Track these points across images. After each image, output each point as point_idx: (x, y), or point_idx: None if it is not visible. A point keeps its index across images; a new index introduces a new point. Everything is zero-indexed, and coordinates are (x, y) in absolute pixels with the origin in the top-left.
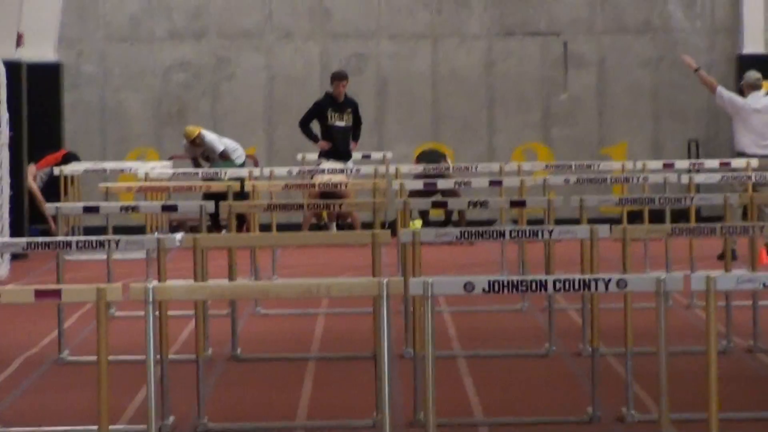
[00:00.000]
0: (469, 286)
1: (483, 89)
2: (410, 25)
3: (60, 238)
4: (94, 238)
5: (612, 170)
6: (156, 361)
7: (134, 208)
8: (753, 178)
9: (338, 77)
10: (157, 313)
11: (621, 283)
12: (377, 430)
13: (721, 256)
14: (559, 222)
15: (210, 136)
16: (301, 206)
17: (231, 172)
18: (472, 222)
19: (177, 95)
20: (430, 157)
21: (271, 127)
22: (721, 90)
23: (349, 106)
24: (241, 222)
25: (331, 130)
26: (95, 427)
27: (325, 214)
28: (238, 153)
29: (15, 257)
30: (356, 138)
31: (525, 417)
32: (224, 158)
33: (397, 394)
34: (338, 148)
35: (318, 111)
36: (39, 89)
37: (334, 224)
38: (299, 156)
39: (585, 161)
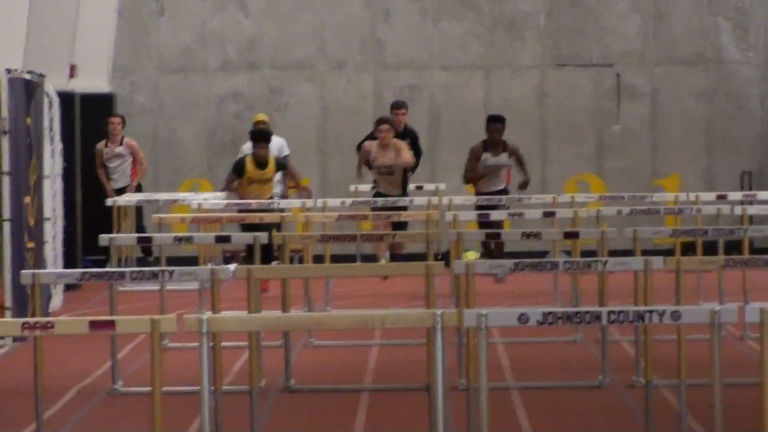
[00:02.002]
0: (523, 318)
1: (536, 120)
2: (463, 56)
3: (113, 269)
4: (147, 269)
5: (665, 202)
6: (210, 393)
7: (188, 239)
8: None
9: (395, 106)
10: (210, 344)
11: (675, 315)
12: None
13: None
14: (613, 253)
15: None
16: (354, 237)
17: (285, 203)
18: (525, 254)
19: (230, 126)
20: None
21: (324, 158)
22: None
23: (407, 137)
24: (268, 254)
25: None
26: None
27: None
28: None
29: (68, 288)
30: (413, 170)
31: None
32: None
33: (451, 427)
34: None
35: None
36: (92, 120)
37: (388, 254)
38: (352, 187)
39: (638, 193)
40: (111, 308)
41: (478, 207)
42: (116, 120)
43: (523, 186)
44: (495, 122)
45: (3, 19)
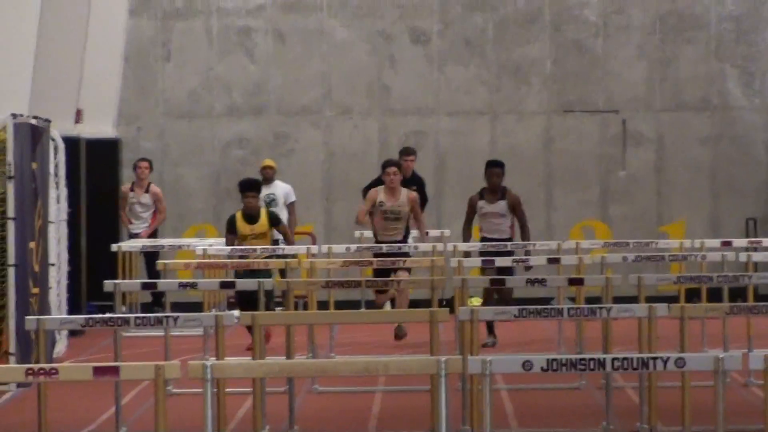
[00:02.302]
0: (527, 365)
1: (541, 166)
2: (469, 101)
3: (118, 315)
4: (152, 315)
5: (670, 248)
6: None
7: (192, 285)
8: None
9: (404, 152)
10: (215, 390)
11: (679, 362)
12: None
13: None
14: (617, 300)
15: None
16: (359, 283)
17: (289, 248)
18: (530, 300)
19: (235, 171)
20: None
21: (329, 204)
22: None
23: (414, 183)
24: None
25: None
26: None
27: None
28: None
29: (73, 333)
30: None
31: None
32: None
33: None
34: None
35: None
36: (98, 165)
37: (389, 303)
38: (357, 233)
39: (643, 239)
40: (115, 354)
41: (482, 253)
42: (144, 164)
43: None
44: (493, 167)
45: (9, 64)
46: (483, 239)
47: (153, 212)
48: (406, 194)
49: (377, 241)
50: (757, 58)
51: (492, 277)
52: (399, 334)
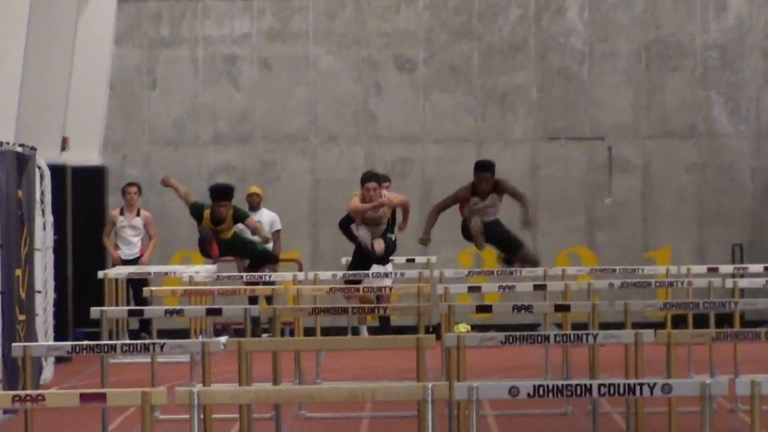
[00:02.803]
0: (514, 391)
1: (527, 193)
2: (454, 129)
3: (104, 342)
4: (139, 342)
5: (656, 275)
6: None
7: (179, 312)
8: None
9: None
10: (201, 416)
11: (666, 388)
12: None
13: None
14: (604, 326)
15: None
16: (345, 310)
17: (276, 276)
18: (516, 326)
19: None
20: None
21: (315, 231)
22: None
23: None
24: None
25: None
26: None
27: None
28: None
29: (59, 360)
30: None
31: None
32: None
33: None
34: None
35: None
36: (83, 193)
37: (365, 328)
38: (344, 260)
39: (629, 266)
40: (102, 381)
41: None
42: (133, 189)
43: (525, 226)
44: (483, 171)
45: None
46: (465, 221)
47: (142, 237)
48: (386, 206)
49: (357, 247)
50: (742, 85)
51: (478, 304)
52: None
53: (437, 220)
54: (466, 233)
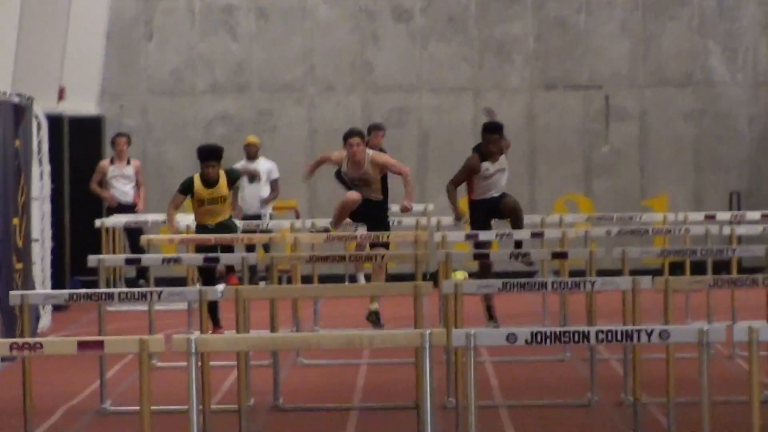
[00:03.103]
0: (511, 338)
1: (524, 141)
2: (452, 78)
3: (102, 290)
4: (136, 290)
5: (654, 222)
6: (198, 412)
7: (176, 260)
8: None
9: (375, 127)
10: (199, 363)
11: (663, 335)
12: None
13: None
14: (601, 273)
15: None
16: (342, 258)
17: (273, 223)
18: (514, 273)
19: None
20: None
21: (312, 180)
22: None
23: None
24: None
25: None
26: None
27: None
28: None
29: (57, 308)
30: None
31: None
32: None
33: None
34: None
35: None
36: (80, 142)
37: (362, 275)
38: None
39: (627, 213)
40: (100, 328)
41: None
42: (122, 140)
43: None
44: (491, 133)
45: None
46: (473, 203)
47: (133, 186)
48: (368, 160)
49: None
50: (739, 33)
51: (476, 252)
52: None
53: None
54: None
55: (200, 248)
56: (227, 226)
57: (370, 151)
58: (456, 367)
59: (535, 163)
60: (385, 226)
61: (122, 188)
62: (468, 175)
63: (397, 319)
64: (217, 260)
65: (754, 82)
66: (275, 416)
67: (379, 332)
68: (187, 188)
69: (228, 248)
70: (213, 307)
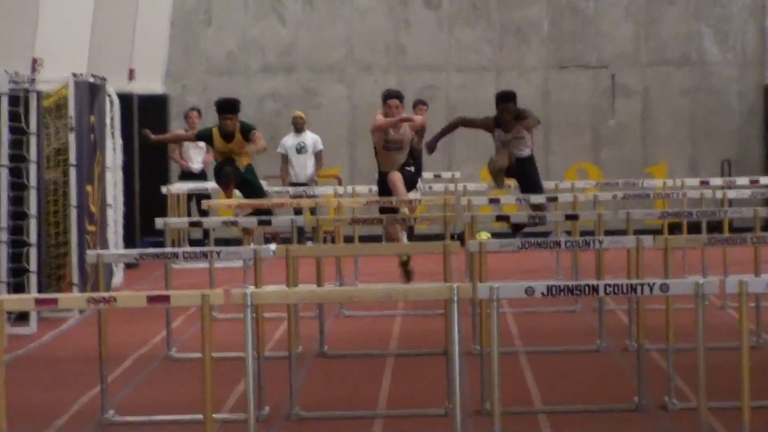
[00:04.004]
0: (529, 291)
1: (540, 115)
2: (475, 59)
3: (168, 249)
4: (198, 249)
5: (654, 187)
6: (253, 358)
7: (234, 223)
8: None
9: (417, 102)
10: (254, 315)
11: (663, 287)
12: (448, 418)
13: None
14: (608, 233)
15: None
16: (380, 220)
17: (319, 189)
18: (530, 233)
19: (269, 123)
20: None
21: (353, 150)
22: None
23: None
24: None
25: (418, 154)
26: (200, 416)
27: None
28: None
29: (128, 266)
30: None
31: (579, 405)
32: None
33: (466, 386)
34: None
35: None
36: (148, 119)
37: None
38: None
39: (630, 179)
40: (166, 284)
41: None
42: (194, 114)
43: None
44: (504, 101)
45: (70, 29)
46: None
47: (204, 154)
48: (407, 125)
49: (380, 172)
50: (730, 18)
51: (498, 214)
52: (406, 270)
53: (453, 133)
54: (491, 169)
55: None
56: (250, 182)
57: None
58: (481, 317)
59: (549, 135)
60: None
61: (195, 157)
62: (480, 124)
63: (429, 275)
64: (269, 222)
65: (743, 62)
66: (321, 362)
67: (412, 287)
68: (203, 137)
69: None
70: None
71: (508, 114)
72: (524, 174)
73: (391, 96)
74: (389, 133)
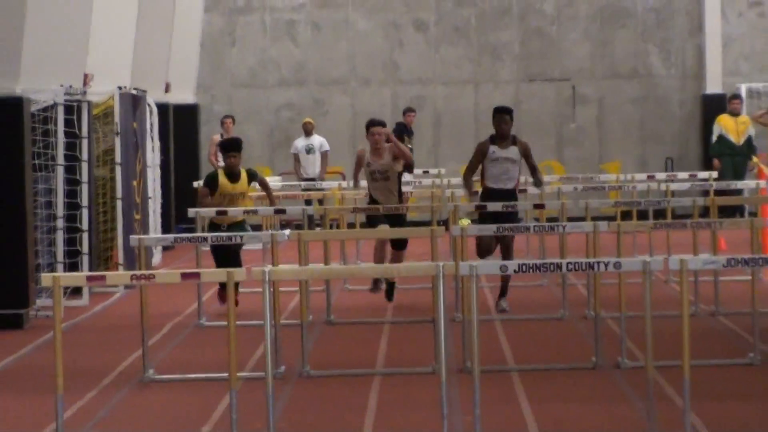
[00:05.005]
0: (503, 268)
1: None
2: (458, 74)
3: (198, 234)
4: (224, 234)
5: (609, 181)
6: (271, 325)
7: (254, 212)
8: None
9: (407, 110)
10: (271, 289)
11: (617, 265)
12: (435, 375)
13: None
14: (570, 220)
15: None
16: (378, 209)
17: (326, 184)
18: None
19: (284, 128)
20: None
21: (354, 150)
22: None
23: (411, 133)
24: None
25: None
26: (226, 375)
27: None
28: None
29: (165, 248)
30: (410, 170)
31: (545, 365)
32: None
33: (450, 349)
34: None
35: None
36: (181, 124)
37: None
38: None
39: (589, 174)
40: (197, 263)
41: (479, 207)
42: (229, 120)
43: (536, 186)
44: (501, 113)
45: (115, 49)
46: (486, 189)
47: None
48: (389, 151)
49: (371, 199)
50: (672, 38)
51: (476, 203)
52: (376, 288)
53: (473, 173)
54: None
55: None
56: (241, 227)
57: (389, 146)
58: (462, 291)
59: (520, 137)
60: (403, 224)
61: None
62: (478, 158)
63: (418, 255)
64: (284, 211)
65: (683, 75)
66: (328, 329)
67: (405, 265)
68: (211, 182)
69: (235, 256)
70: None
71: (505, 125)
72: (504, 245)
73: (374, 124)
74: (372, 164)
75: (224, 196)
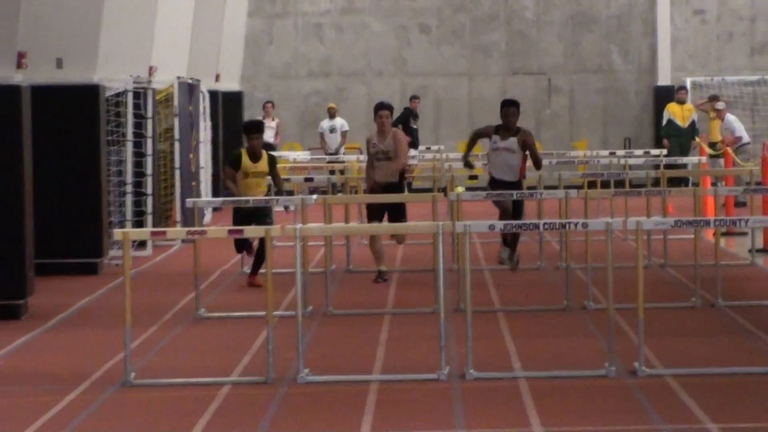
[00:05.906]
0: (491, 227)
1: (498, 108)
2: (455, 67)
3: (242, 197)
4: (263, 197)
5: (578, 156)
6: (301, 272)
7: (287, 180)
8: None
9: (413, 97)
10: (301, 243)
11: (584, 225)
12: (435, 314)
13: None
14: (546, 188)
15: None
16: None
17: (345, 158)
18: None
19: (312, 111)
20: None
21: (369, 131)
22: None
23: (416, 117)
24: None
25: (414, 132)
26: (264, 313)
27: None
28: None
29: (215, 210)
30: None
31: (524, 306)
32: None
33: (447, 293)
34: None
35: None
36: (229, 108)
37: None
38: None
39: (561, 151)
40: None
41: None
42: (269, 105)
43: (536, 168)
44: (508, 106)
45: (175, 46)
46: (492, 179)
47: (275, 133)
48: (392, 136)
49: (372, 180)
50: (630, 41)
51: (470, 174)
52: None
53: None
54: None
55: (236, 220)
56: (263, 210)
57: (394, 131)
58: (458, 246)
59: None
60: (402, 212)
61: (268, 134)
62: (483, 131)
63: (421, 216)
64: (311, 179)
65: (638, 70)
66: (348, 276)
67: (411, 223)
68: (235, 161)
69: (263, 220)
70: (259, 259)
71: (511, 118)
72: (515, 204)
73: (382, 108)
74: (377, 145)
75: (246, 174)
